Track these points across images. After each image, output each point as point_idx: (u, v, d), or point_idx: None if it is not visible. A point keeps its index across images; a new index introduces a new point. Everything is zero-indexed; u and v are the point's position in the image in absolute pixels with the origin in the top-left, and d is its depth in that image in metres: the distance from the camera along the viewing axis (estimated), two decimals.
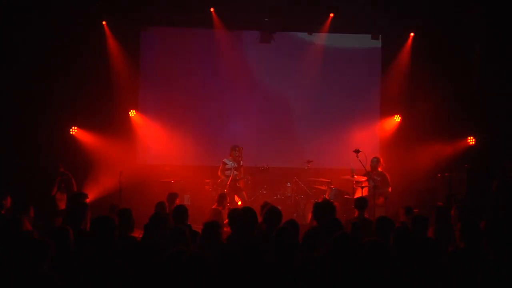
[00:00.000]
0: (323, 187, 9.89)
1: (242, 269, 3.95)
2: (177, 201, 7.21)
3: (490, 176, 9.15)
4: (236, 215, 4.71)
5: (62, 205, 8.71)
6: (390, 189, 9.42)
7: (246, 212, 4.68)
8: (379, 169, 9.54)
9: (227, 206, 7.92)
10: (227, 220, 5.46)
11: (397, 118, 11.04)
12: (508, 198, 8.42)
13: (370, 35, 11.28)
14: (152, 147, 11.03)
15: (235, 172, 9.71)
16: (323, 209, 5.36)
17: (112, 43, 10.80)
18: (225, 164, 9.87)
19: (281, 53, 11.24)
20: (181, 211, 5.67)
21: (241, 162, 9.83)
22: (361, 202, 6.81)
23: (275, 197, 10.07)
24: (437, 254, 4.26)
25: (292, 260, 3.87)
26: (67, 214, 5.93)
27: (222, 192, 8.37)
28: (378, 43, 11.32)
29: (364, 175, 9.30)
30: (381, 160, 9.63)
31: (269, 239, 4.37)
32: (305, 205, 9.76)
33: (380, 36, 11.27)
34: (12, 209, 6.59)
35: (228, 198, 8.39)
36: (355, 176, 9.26)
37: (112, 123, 10.64)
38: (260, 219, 5.29)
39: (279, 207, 5.51)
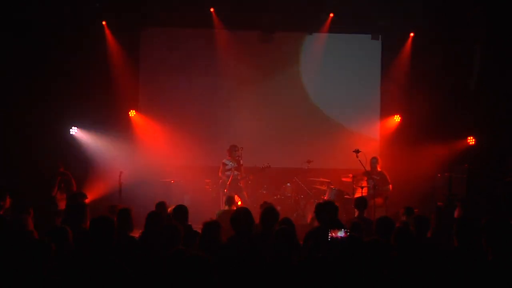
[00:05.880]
0: (323, 187, 9.89)
1: (241, 269, 3.96)
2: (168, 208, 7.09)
3: (490, 176, 9.15)
4: (232, 216, 4.71)
5: (62, 205, 8.70)
6: (391, 186, 9.42)
7: (241, 213, 4.68)
8: (378, 169, 9.56)
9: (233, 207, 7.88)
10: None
11: (397, 118, 11.04)
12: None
13: (370, 35, 11.28)
14: (152, 147, 11.02)
15: (236, 172, 9.71)
16: (325, 210, 5.35)
17: (112, 43, 10.79)
18: (225, 165, 9.86)
19: (281, 53, 11.23)
20: (182, 211, 5.69)
21: (241, 161, 9.82)
22: (361, 202, 6.82)
23: (275, 197, 10.06)
24: (437, 254, 4.27)
25: (290, 260, 3.88)
26: (65, 214, 5.93)
27: (229, 195, 8.34)
28: (378, 43, 11.31)
29: (363, 175, 9.31)
30: (379, 159, 9.65)
31: (267, 239, 4.37)
32: (305, 205, 9.76)
33: (380, 36, 11.27)
34: (11, 209, 6.58)
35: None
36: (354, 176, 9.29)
37: (112, 123, 10.64)
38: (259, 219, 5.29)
39: (279, 207, 5.53)
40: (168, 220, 5.62)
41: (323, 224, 5.09)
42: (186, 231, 4.94)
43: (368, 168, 9.25)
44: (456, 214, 6.79)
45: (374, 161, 9.57)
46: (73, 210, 5.72)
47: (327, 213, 5.24)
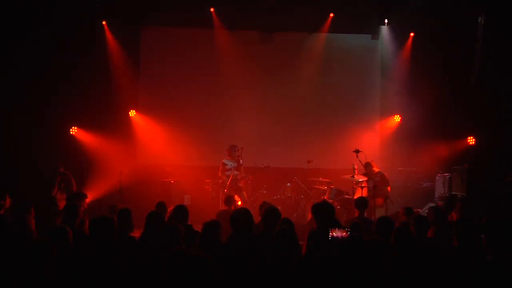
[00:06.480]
0: (323, 187, 9.89)
1: (241, 269, 3.96)
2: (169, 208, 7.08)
3: (490, 176, 9.16)
4: (232, 216, 4.71)
5: (62, 205, 8.68)
6: (389, 188, 9.42)
7: (241, 213, 4.67)
8: (376, 171, 9.52)
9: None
10: None
11: (397, 118, 11.05)
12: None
13: (370, 35, 11.29)
14: (152, 147, 11.02)
15: (236, 172, 9.70)
16: (323, 210, 5.35)
17: (112, 43, 10.80)
18: (225, 165, 9.86)
19: (281, 53, 11.23)
20: (182, 211, 5.69)
21: (241, 161, 9.82)
22: (361, 202, 6.81)
23: (275, 197, 10.06)
24: (437, 254, 4.26)
25: (290, 260, 3.88)
26: (64, 214, 5.91)
27: (229, 195, 8.32)
28: (378, 43, 11.32)
29: (364, 175, 9.30)
30: (373, 163, 9.55)
31: (268, 239, 4.37)
32: (305, 205, 9.75)
33: (380, 36, 11.28)
34: (11, 209, 6.58)
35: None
36: (355, 176, 9.27)
37: (112, 123, 10.64)
38: (258, 219, 5.29)
39: (279, 207, 5.52)
40: (169, 220, 5.62)
41: (322, 224, 5.09)
42: (186, 231, 4.94)
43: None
44: (454, 214, 6.79)
45: (368, 166, 9.43)
46: (66, 211, 5.71)
47: (324, 213, 5.24)
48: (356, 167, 9.22)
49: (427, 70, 10.54)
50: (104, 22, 10.72)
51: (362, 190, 8.93)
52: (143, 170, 10.60)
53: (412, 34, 10.90)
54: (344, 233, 4.23)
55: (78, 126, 10.64)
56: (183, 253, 3.23)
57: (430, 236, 5.42)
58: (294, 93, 11.21)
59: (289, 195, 10.14)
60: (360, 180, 9.12)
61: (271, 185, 10.38)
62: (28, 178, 9.44)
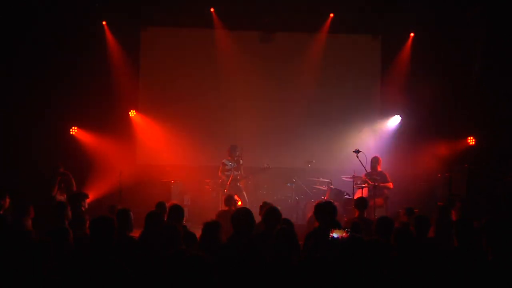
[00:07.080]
0: (323, 187, 9.89)
1: (241, 269, 3.96)
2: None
3: (490, 176, 9.16)
4: (233, 215, 4.71)
5: None
6: (391, 184, 9.39)
7: (242, 213, 4.67)
8: (379, 169, 9.55)
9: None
10: None
11: (397, 118, 11.04)
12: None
13: (370, 35, 11.29)
14: (152, 147, 11.02)
15: (236, 172, 9.71)
16: (324, 210, 5.35)
17: (112, 43, 10.80)
18: (224, 165, 9.86)
19: (281, 53, 11.23)
20: (177, 211, 5.67)
21: (241, 161, 9.82)
22: (361, 202, 6.82)
23: (275, 197, 10.07)
24: (437, 254, 4.27)
25: (290, 260, 3.88)
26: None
27: (229, 195, 8.30)
28: (378, 43, 11.32)
29: (364, 176, 9.30)
30: (380, 159, 9.65)
31: (268, 239, 4.37)
32: (305, 205, 9.76)
33: (380, 36, 11.28)
34: (10, 209, 6.58)
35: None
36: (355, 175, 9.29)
37: (112, 123, 10.64)
38: (259, 219, 5.29)
39: (279, 207, 5.52)
40: (168, 220, 5.62)
41: (323, 224, 5.09)
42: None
43: (368, 168, 9.24)
44: (453, 214, 6.79)
45: (375, 160, 9.57)
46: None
47: (326, 213, 5.23)
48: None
49: (427, 70, 10.54)
50: (104, 22, 10.72)
51: (362, 190, 8.93)
52: (143, 170, 10.59)
53: (412, 34, 10.90)
54: (344, 234, 4.23)
55: (78, 126, 10.64)
56: (183, 253, 3.22)
57: (430, 236, 5.42)
58: (294, 93, 11.20)
59: (289, 195, 10.15)
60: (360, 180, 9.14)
61: (271, 185, 10.40)
62: (28, 178, 9.44)
